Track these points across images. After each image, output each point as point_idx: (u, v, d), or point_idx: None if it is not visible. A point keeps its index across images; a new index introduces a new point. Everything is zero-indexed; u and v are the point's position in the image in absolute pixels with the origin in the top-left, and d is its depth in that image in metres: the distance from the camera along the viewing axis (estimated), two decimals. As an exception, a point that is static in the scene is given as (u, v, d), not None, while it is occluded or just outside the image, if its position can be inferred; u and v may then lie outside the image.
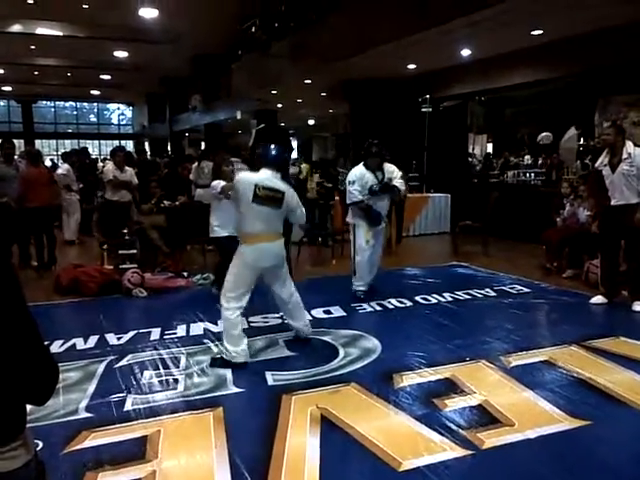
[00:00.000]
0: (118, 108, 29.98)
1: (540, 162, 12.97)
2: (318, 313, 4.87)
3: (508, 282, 6.02)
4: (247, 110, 16.29)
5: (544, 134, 12.09)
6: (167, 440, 2.71)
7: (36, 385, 1.12)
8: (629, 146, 4.83)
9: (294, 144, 18.80)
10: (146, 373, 3.60)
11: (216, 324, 4.50)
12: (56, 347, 4.04)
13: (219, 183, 4.31)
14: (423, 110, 11.31)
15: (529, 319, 4.85)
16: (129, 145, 22.93)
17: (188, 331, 4.46)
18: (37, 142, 25.29)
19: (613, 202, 4.89)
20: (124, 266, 6.14)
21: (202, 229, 5.92)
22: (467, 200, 9.37)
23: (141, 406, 3.10)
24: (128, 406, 3.11)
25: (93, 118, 30.05)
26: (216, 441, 2.69)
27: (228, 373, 3.56)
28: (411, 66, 11.05)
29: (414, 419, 2.89)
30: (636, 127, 8.41)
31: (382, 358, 3.82)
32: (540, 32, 8.26)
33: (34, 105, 27.13)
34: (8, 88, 22.60)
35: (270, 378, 3.48)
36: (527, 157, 13.91)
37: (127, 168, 7.32)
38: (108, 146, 22.72)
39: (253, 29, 10.87)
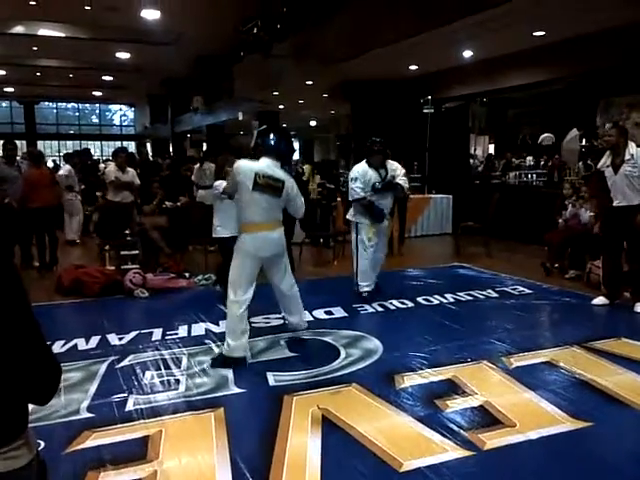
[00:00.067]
0: (120, 109, 30.04)
1: (542, 163, 12.97)
2: (319, 314, 4.87)
3: (510, 283, 6.02)
4: (249, 111, 16.31)
5: (546, 135, 12.09)
6: (168, 440, 2.71)
7: (38, 385, 1.12)
8: (631, 147, 4.83)
9: (296, 145, 18.79)
10: (147, 373, 3.60)
11: (217, 324, 4.51)
12: (58, 347, 4.05)
13: (221, 183, 4.33)
14: (425, 111, 11.30)
15: (531, 320, 4.84)
16: (131, 146, 22.94)
17: (189, 331, 4.46)
18: (39, 143, 25.36)
19: (615, 203, 4.89)
20: (126, 267, 6.15)
21: (204, 230, 5.93)
22: (469, 201, 9.37)
23: (142, 406, 3.11)
24: (129, 406, 3.11)
25: (95, 119, 30.11)
26: (217, 441, 2.69)
27: (229, 374, 3.56)
28: (413, 67, 11.05)
29: (415, 420, 2.89)
30: (638, 128, 8.40)
31: (383, 359, 3.82)
32: (542, 33, 8.25)
33: (36, 106, 27.18)
34: (10, 89, 22.64)
35: (271, 379, 3.48)
36: (529, 158, 13.90)
37: (129, 169, 7.32)
38: (110, 147, 22.73)
39: (255, 30, 10.88)
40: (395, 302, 5.26)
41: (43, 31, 12.79)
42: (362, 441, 2.67)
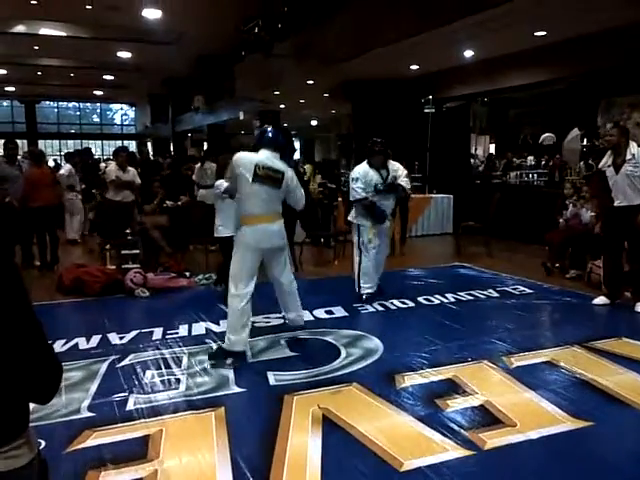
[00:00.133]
0: (121, 108, 30.06)
1: (543, 163, 12.96)
2: (320, 313, 4.87)
3: (511, 283, 6.02)
4: (250, 111, 16.30)
5: (547, 135, 12.09)
6: (169, 440, 2.71)
7: (40, 384, 1.13)
8: (633, 147, 4.83)
9: (296, 145, 18.79)
10: (148, 373, 3.60)
11: (218, 324, 4.51)
12: (59, 346, 4.05)
13: (222, 183, 4.32)
14: (426, 111, 11.30)
15: (531, 320, 4.84)
16: (132, 145, 22.95)
17: (190, 331, 4.46)
18: (40, 142, 25.41)
19: (616, 203, 4.89)
20: (127, 266, 6.15)
21: (204, 229, 5.93)
22: (470, 201, 9.37)
23: (143, 406, 3.11)
24: (130, 405, 3.11)
25: (96, 118, 30.12)
26: (218, 441, 2.69)
27: (230, 373, 3.56)
28: (414, 67, 11.04)
29: (416, 419, 2.89)
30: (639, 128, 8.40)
31: (384, 358, 3.82)
32: (543, 33, 8.24)
33: (37, 105, 27.20)
34: (11, 88, 22.67)
35: (272, 378, 3.48)
36: (530, 158, 13.90)
37: (130, 168, 7.32)
38: (111, 146, 22.75)
39: (256, 30, 10.88)
40: (396, 302, 5.25)
41: (44, 30, 12.81)
42: (363, 440, 2.67)
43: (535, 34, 8.30)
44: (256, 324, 4.47)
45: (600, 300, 5.13)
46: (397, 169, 5.35)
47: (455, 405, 3.05)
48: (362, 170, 5.25)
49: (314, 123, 22.68)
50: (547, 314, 5.14)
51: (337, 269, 6.87)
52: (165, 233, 6.82)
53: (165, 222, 7.12)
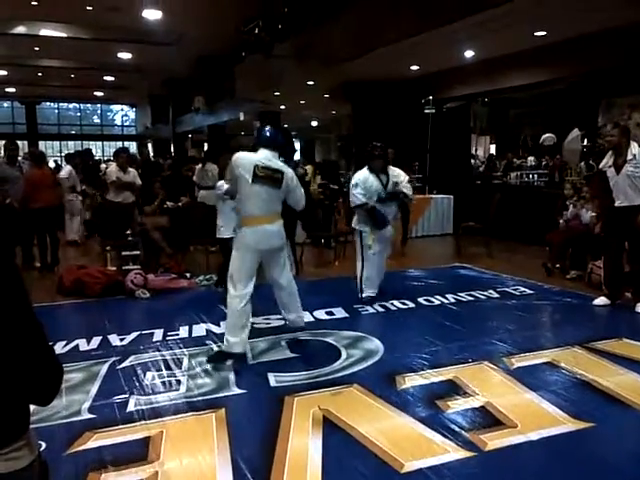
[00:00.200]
0: (121, 109, 30.06)
1: (543, 163, 12.97)
2: (320, 314, 4.87)
3: (511, 283, 6.01)
4: (250, 111, 16.31)
5: (547, 135, 12.08)
6: (169, 441, 2.71)
7: (40, 385, 1.13)
8: (634, 147, 4.83)
9: (297, 145, 18.81)
10: (149, 374, 3.60)
11: (218, 325, 4.51)
12: (59, 348, 4.05)
13: (223, 184, 4.32)
14: (426, 111, 11.29)
15: (532, 320, 4.84)
16: (132, 146, 22.96)
17: (190, 332, 4.46)
18: (41, 143, 25.39)
19: (617, 203, 4.88)
20: (127, 267, 6.15)
21: (205, 230, 5.93)
22: (470, 201, 9.36)
23: (144, 407, 3.11)
24: (131, 407, 3.11)
25: (96, 119, 30.12)
26: (218, 442, 2.69)
27: (231, 374, 3.56)
28: (414, 67, 11.05)
29: (416, 420, 2.89)
30: (640, 128, 8.40)
31: (384, 359, 3.81)
32: (543, 33, 8.25)
33: (38, 106, 27.20)
34: (12, 89, 22.67)
35: (272, 379, 3.48)
36: (530, 158, 13.91)
37: (130, 169, 7.32)
38: (111, 147, 22.78)
39: (256, 31, 10.86)
40: (396, 302, 5.25)
41: (45, 31, 12.80)
42: (363, 442, 2.67)
43: (535, 34, 8.31)
44: (256, 325, 4.47)
45: (600, 301, 5.12)
46: (398, 175, 5.33)
47: (456, 406, 3.05)
48: (362, 176, 5.25)
49: (314, 124, 22.70)
50: (547, 315, 5.14)
51: (337, 270, 6.87)
52: (166, 234, 6.81)
53: (166, 223, 7.12)
